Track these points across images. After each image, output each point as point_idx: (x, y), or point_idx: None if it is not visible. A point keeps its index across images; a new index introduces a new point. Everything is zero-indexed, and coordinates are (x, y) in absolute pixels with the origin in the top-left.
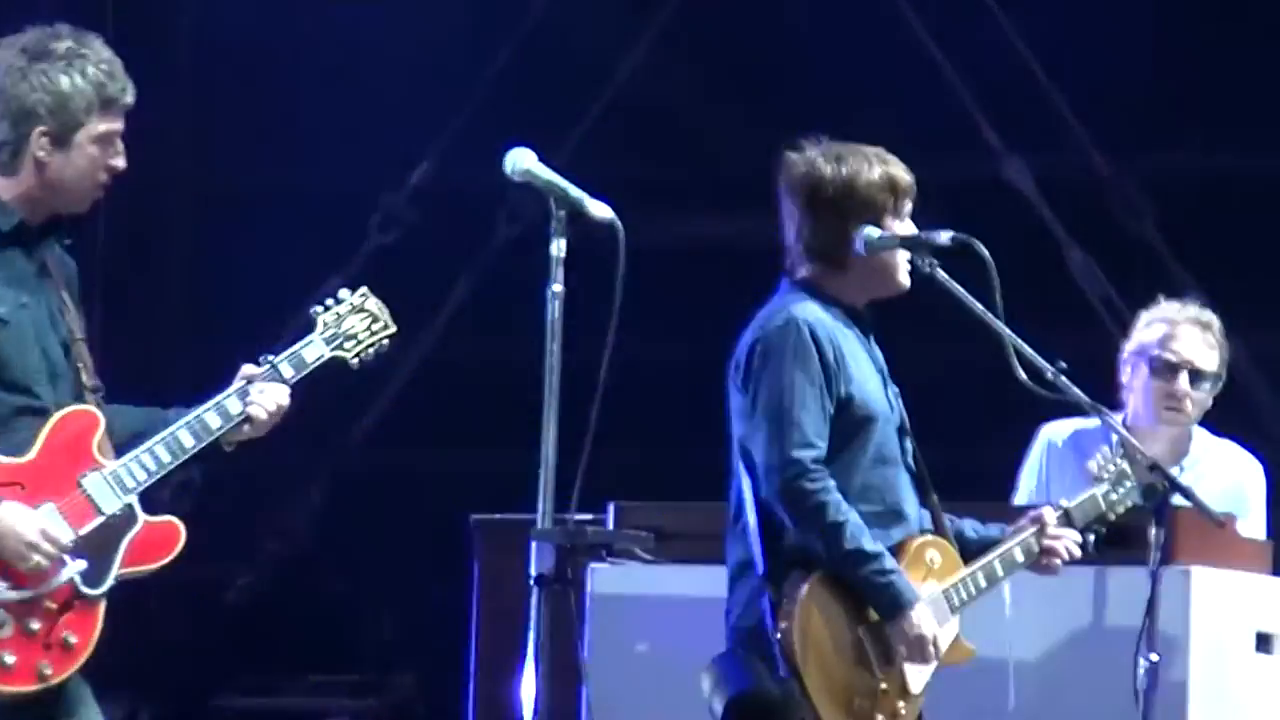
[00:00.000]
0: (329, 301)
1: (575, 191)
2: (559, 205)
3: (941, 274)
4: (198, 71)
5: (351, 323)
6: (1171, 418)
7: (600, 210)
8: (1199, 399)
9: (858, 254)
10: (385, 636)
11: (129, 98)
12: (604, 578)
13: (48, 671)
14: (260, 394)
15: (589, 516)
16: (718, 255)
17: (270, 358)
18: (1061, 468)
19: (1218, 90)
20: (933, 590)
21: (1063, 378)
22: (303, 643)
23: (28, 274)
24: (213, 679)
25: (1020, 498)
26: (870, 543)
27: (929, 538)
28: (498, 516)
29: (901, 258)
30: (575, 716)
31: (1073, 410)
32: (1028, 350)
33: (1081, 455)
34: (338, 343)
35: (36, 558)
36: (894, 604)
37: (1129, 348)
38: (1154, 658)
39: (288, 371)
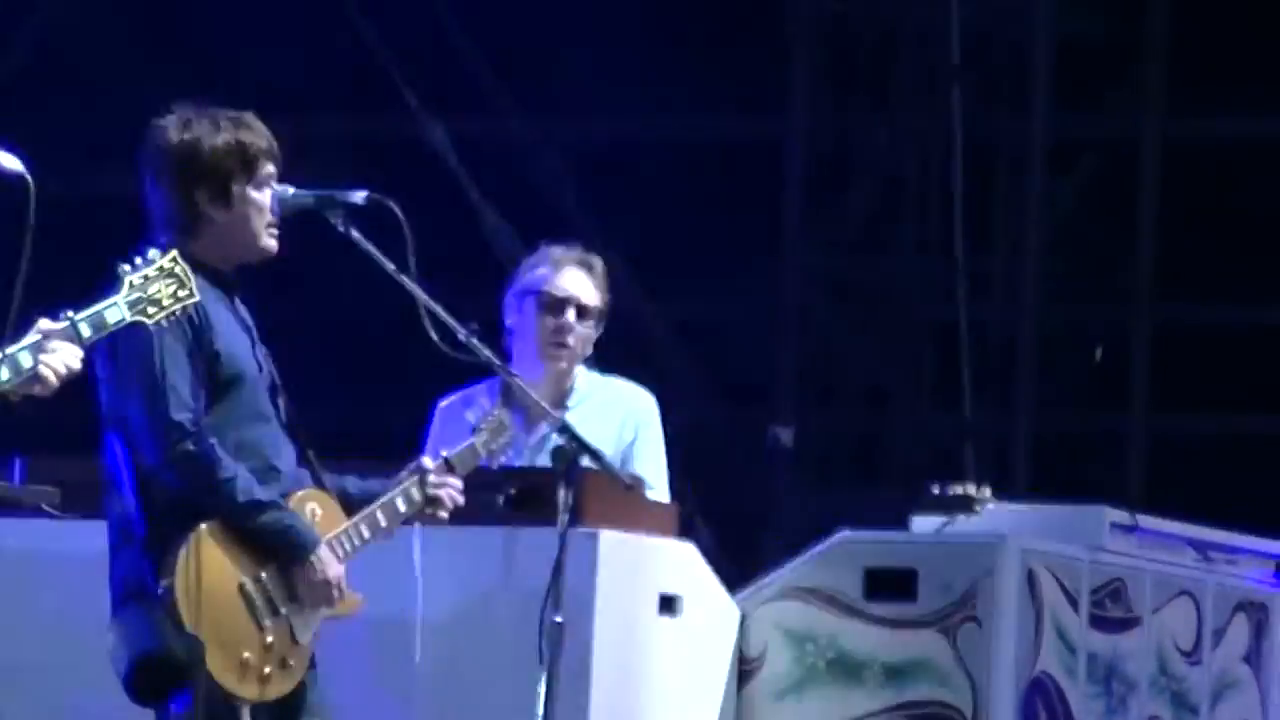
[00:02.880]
0: (137, 260)
1: None
2: None
3: (356, 234)
4: None
5: (158, 287)
6: (556, 353)
7: (11, 163)
8: (583, 334)
9: (210, 219)
10: None
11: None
12: (9, 532)
13: None
14: (53, 353)
15: None
16: (112, 210)
17: (70, 314)
18: (453, 425)
19: (630, 55)
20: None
21: (474, 339)
22: None
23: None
24: None
25: None
26: (264, 492)
27: (310, 491)
28: None
29: (260, 221)
30: None
31: (474, 377)
32: (440, 311)
33: (472, 409)
34: (141, 307)
35: None
36: (298, 548)
37: (513, 290)
38: (559, 619)
39: (86, 332)
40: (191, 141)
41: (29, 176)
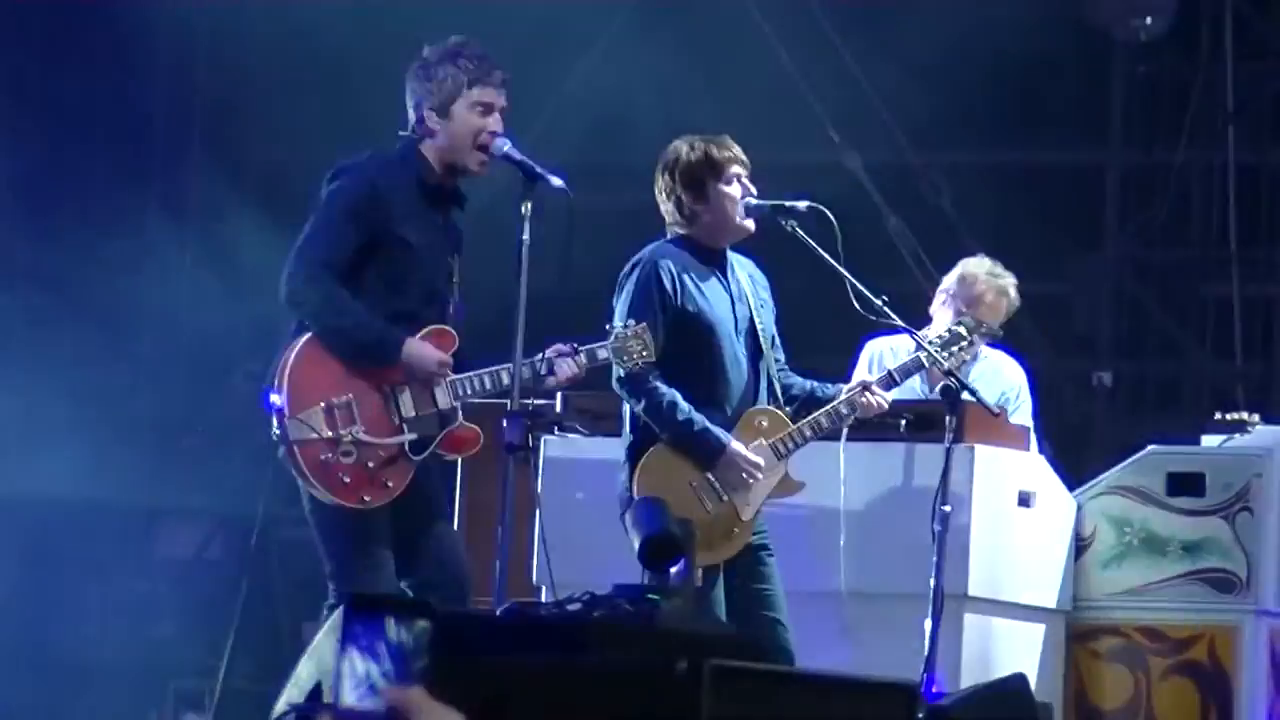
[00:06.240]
0: (619, 325)
1: (539, 168)
2: (527, 177)
3: (800, 231)
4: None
5: (632, 344)
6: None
7: (556, 182)
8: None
9: (696, 212)
10: None
11: (497, 75)
12: (553, 446)
13: (367, 499)
14: (562, 364)
15: (544, 401)
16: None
17: (576, 346)
18: (880, 363)
19: (991, 104)
20: (760, 444)
21: (885, 307)
22: None
23: (435, 219)
24: None
25: None
26: (683, 414)
27: (761, 408)
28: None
29: (733, 209)
30: (530, 546)
31: (888, 330)
32: (860, 287)
33: (893, 357)
34: (620, 354)
35: (442, 381)
36: (711, 451)
37: (947, 289)
38: (946, 509)
39: (583, 361)
40: (673, 158)
41: (570, 192)
